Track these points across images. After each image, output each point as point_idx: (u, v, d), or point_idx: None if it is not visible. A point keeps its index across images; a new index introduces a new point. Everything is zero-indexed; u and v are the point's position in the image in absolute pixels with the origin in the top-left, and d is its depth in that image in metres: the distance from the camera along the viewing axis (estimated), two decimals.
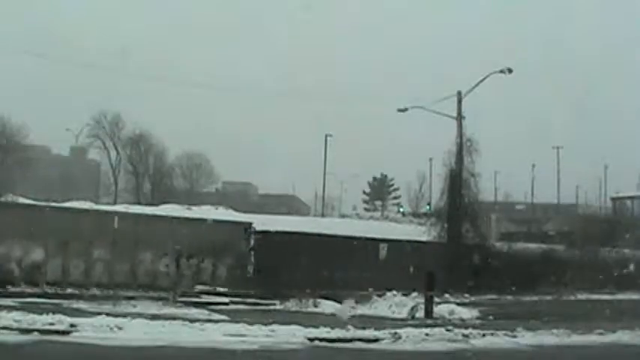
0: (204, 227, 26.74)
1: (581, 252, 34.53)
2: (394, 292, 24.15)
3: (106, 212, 30.68)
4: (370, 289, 23.85)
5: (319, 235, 29.62)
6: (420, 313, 20.86)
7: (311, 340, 14.53)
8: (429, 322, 18.75)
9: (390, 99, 68.80)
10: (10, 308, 15.98)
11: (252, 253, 26.81)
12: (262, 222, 30.80)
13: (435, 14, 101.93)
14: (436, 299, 21.71)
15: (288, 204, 76.62)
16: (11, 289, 21.91)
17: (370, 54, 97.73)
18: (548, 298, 27.47)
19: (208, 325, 15.62)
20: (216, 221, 28.69)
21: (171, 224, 26.28)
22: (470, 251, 31.28)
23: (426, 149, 62.21)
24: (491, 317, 20.40)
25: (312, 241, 28.14)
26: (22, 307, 16.54)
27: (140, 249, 24.33)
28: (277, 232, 27.92)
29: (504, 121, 71.59)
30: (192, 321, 15.85)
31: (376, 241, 29.81)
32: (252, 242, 26.88)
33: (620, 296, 28.27)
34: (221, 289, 26.20)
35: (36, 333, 13.53)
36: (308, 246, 27.28)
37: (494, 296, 27.32)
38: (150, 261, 24.45)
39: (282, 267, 25.37)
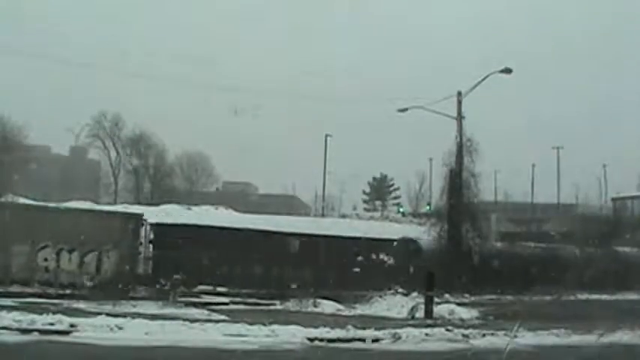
0: (88, 218, 24.79)
1: (581, 252, 34.52)
2: (393, 291, 24.22)
3: None
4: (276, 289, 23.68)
5: (221, 228, 27.39)
6: (420, 313, 20.88)
7: (311, 340, 14.54)
8: (429, 322, 18.76)
9: (390, 99, 68.69)
10: (10, 308, 15.98)
11: (145, 247, 24.91)
12: (261, 222, 30.86)
13: (435, 14, 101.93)
14: (436, 299, 21.72)
15: (288, 204, 76.54)
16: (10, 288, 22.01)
17: (370, 54, 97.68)
18: (548, 298, 27.45)
19: (208, 325, 15.63)
20: (102, 212, 26.98)
21: (50, 214, 24.40)
22: (470, 251, 31.29)
23: (426, 149, 62.19)
24: (491, 317, 20.41)
25: (214, 235, 26.24)
26: (22, 307, 16.55)
27: (15, 241, 22.51)
28: (174, 225, 26.24)
29: (504, 121, 71.45)
30: (192, 321, 15.86)
31: (286, 235, 27.91)
32: (144, 235, 24.89)
33: (620, 296, 28.26)
34: (221, 289, 26.22)
35: (36, 333, 13.54)
36: (210, 240, 25.65)
37: (494, 296, 27.31)
38: (26, 254, 22.70)
39: (178, 262, 23.99)
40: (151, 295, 22.82)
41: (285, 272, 26.29)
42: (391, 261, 28.87)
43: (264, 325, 15.26)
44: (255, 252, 26.08)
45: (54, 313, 15.19)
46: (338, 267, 27.23)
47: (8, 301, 18.10)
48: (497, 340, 15.77)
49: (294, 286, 24.83)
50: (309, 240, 28.29)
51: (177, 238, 25.10)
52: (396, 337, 15.20)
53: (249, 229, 27.52)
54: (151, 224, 25.31)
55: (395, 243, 30.12)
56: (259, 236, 27.02)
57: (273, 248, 26.71)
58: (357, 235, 30.84)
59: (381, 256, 29.01)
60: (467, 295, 26.79)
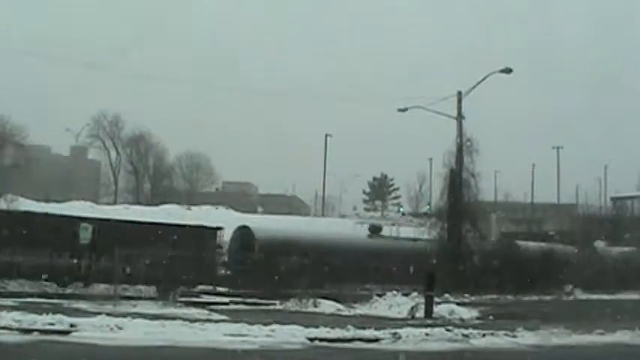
0: None
1: (581, 252, 34.53)
2: (394, 291, 24.22)
3: None
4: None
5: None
6: (420, 313, 20.87)
7: (311, 340, 14.53)
8: (429, 322, 18.75)
9: (390, 99, 68.75)
10: (10, 308, 15.99)
11: None
12: (261, 222, 30.98)
13: (435, 14, 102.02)
14: (436, 299, 21.72)
15: (288, 204, 76.55)
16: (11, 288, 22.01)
17: (370, 54, 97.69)
18: (548, 298, 27.47)
19: (208, 325, 15.62)
20: None
21: None
22: (470, 251, 31.30)
23: (426, 149, 62.22)
24: (491, 317, 20.40)
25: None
26: (22, 307, 16.55)
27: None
28: None
29: (504, 121, 71.59)
30: (192, 321, 15.86)
31: (77, 220, 24.87)
32: None
33: (620, 296, 28.27)
34: (221, 289, 26.25)
35: (36, 333, 13.53)
36: None
37: (494, 296, 27.30)
38: None
39: None
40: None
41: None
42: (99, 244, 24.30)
43: (265, 324, 15.25)
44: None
45: (54, 313, 15.18)
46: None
47: (8, 301, 18.12)
48: (497, 340, 15.78)
49: None
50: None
51: None
52: (396, 337, 15.20)
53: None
54: None
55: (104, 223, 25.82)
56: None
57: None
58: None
59: (83, 240, 24.21)
60: (467, 295, 26.78)
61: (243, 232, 30.39)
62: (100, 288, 23.22)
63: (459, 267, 29.58)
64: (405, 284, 25.68)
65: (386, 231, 36.91)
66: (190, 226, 27.52)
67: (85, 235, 23.90)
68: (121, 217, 32.28)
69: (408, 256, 29.20)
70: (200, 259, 25.36)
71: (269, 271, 25.98)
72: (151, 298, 22.57)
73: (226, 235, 28.58)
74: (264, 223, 36.39)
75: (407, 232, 37.38)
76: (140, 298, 22.16)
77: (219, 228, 27.02)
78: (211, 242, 26.56)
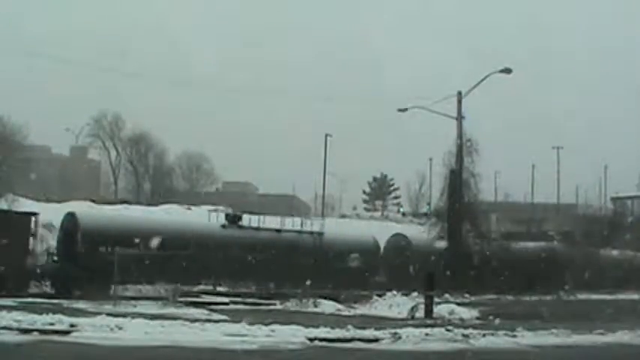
0: None
1: (581, 252, 34.52)
2: (393, 292, 24.24)
3: None
4: None
5: None
6: (420, 313, 20.88)
7: (311, 340, 14.53)
8: (429, 322, 18.75)
9: (390, 99, 68.64)
10: (10, 308, 16.00)
11: None
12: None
13: (435, 14, 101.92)
14: (436, 299, 21.73)
15: (288, 204, 76.52)
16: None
17: (370, 53, 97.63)
18: (548, 298, 27.45)
19: (208, 325, 15.63)
20: None
21: None
22: (470, 251, 31.30)
23: (426, 149, 62.25)
24: (491, 317, 20.39)
25: None
26: (22, 307, 16.56)
27: None
28: None
29: (504, 121, 71.45)
30: (192, 321, 15.86)
31: None
32: None
33: (620, 296, 28.27)
34: (221, 289, 26.20)
35: (36, 333, 13.52)
36: None
37: (494, 296, 27.30)
38: None
39: None
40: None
41: None
42: None
43: (265, 324, 15.25)
44: None
45: (54, 313, 15.18)
46: None
47: (8, 301, 18.12)
48: (497, 340, 15.78)
49: None
50: None
51: None
52: (396, 337, 15.20)
53: None
54: None
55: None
56: None
57: None
58: None
59: None
60: (467, 295, 26.78)
61: (69, 219, 27.17)
62: None
63: (459, 267, 29.57)
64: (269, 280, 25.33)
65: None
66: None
67: None
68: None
69: (271, 248, 27.95)
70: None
71: (90, 264, 23.78)
72: (150, 298, 22.59)
73: None
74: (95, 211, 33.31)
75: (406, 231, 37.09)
76: (140, 298, 22.19)
77: (34, 214, 24.96)
78: (22, 229, 24.22)
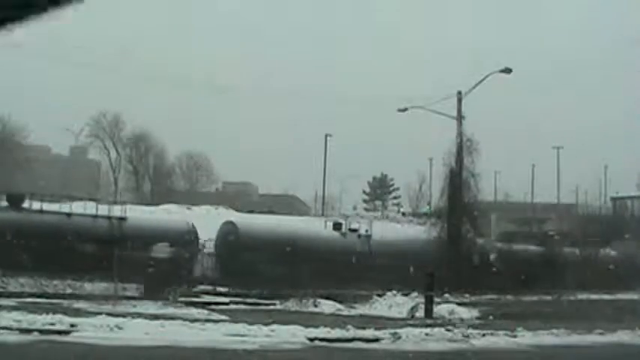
0: None
1: (581, 252, 34.52)
2: (393, 292, 24.22)
3: None
4: None
5: None
6: (420, 313, 20.88)
7: (311, 340, 14.53)
8: (429, 322, 18.75)
9: (390, 99, 68.60)
10: (10, 308, 15.99)
11: None
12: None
13: (435, 14, 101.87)
14: (436, 299, 21.73)
15: (288, 204, 76.51)
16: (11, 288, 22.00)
17: (370, 53, 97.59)
18: (548, 298, 27.45)
19: (208, 325, 15.63)
20: None
21: None
22: (470, 251, 31.30)
23: (426, 149, 61.99)
24: (491, 317, 20.40)
25: None
26: (22, 307, 16.54)
27: None
28: None
29: (504, 121, 71.46)
30: (192, 321, 15.85)
31: None
32: None
33: (620, 296, 28.26)
34: (221, 289, 26.18)
35: (36, 333, 13.52)
36: None
37: (494, 296, 27.30)
38: None
39: None
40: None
41: None
42: None
43: (265, 324, 15.25)
44: None
45: (54, 313, 15.18)
46: None
47: (8, 301, 18.11)
48: (497, 340, 15.78)
49: None
50: None
51: None
52: (396, 337, 15.20)
53: None
54: None
55: None
56: None
57: None
58: None
59: None
60: (467, 295, 26.77)
61: None
62: None
63: (459, 267, 29.58)
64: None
65: None
66: None
67: None
68: None
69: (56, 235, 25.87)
70: None
71: None
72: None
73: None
74: None
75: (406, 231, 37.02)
76: (139, 298, 22.19)
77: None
78: None
